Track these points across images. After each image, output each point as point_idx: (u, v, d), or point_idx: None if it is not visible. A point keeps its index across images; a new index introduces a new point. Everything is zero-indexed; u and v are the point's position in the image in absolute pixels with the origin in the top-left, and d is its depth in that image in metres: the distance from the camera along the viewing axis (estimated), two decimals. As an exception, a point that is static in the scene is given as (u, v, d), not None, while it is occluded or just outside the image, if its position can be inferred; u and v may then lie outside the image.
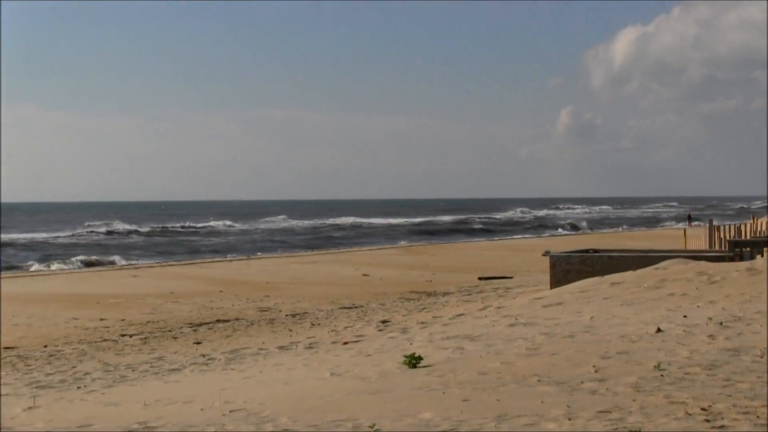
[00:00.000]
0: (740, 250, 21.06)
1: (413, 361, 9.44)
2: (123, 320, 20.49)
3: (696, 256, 19.11)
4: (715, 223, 28.46)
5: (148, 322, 20.26)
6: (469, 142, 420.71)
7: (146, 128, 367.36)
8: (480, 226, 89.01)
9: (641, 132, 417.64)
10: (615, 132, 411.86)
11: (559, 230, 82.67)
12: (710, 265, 16.94)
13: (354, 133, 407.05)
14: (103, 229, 79.38)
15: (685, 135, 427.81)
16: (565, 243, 50.04)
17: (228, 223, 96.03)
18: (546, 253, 20.36)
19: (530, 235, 71.26)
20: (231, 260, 41.78)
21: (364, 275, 31.71)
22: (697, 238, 28.35)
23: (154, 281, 29.97)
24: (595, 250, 21.42)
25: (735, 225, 29.59)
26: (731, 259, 19.28)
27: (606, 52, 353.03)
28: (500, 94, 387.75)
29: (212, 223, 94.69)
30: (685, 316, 11.97)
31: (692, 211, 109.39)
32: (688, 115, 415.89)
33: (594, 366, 8.59)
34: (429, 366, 9.36)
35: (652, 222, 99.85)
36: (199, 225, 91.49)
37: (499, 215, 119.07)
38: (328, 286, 28.20)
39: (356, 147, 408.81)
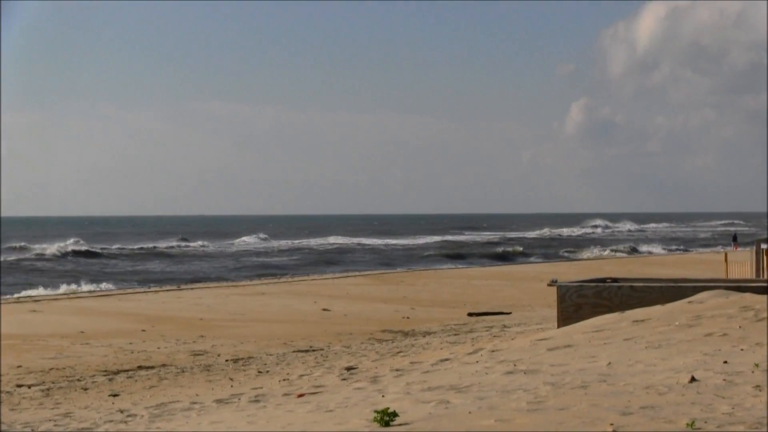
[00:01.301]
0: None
1: (386, 418, 9.43)
2: (19, 367, 20.33)
3: (739, 286, 19.25)
4: (764, 246, 28.67)
5: (52, 369, 20.11)
6: (458, 145, 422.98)
7: (48, 123, 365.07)
8: (515, 248, 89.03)
9: (672, 132, 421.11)
10: (639, 132, 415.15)
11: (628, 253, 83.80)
12: (757, 298, 17.06)
13: (319, 133, 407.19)
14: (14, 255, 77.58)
15: (726, 135, 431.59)
16: (576, 270, 50.30)
17: (203, 243, 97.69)
18: (553, 283, 20.41)
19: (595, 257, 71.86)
20: (157, 291, 41.61)
21: (325, 310, 31.67)
22: (741, 264, 28.61)
23: (58, 317, 29.77)
24: (614, 279, 21.51)
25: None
26: (782, 291, 19.44)
27: (628, 31, 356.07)
28: (497, 85, 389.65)
29: (180, 243, 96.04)
30: (725, 362, 12.04)
31: (750, 229, 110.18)
32: (729, 110, 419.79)
33: (612, 424, 8.62)
34: (405, 424, 9.36)
35: (710, 243, 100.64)
36: (164, 245, 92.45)
37: (530, 234, 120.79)
38: (280, 323, 28.14)
39: (319, 150, 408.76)
